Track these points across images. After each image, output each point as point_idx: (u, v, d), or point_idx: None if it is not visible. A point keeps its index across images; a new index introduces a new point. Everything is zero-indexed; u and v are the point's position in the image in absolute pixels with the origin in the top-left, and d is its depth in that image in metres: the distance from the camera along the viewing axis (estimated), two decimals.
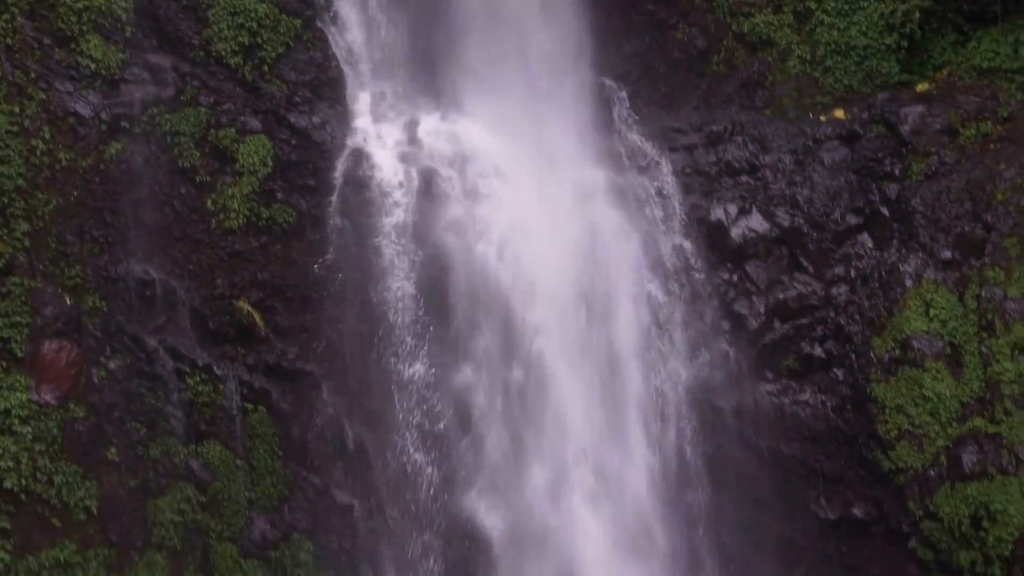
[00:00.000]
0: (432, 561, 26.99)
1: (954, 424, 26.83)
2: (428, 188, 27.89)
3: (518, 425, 27.84)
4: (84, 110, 25.95)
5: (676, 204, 28.87)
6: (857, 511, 27.77)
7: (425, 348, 27.45)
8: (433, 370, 27.64)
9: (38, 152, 25.18)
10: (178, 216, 26.42)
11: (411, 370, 27.23)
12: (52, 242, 25.17)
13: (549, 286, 28.07)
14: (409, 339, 27.40)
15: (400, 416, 27.55)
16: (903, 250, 27.97)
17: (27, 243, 24.90)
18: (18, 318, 24.50)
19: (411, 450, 27.41)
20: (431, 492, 27.17)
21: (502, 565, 27.31)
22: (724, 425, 28.53)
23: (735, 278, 28.66)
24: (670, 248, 28.55)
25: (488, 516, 27.37)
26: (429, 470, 27.26)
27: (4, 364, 24.40)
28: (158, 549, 25.44)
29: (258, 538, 26.34)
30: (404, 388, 27.50)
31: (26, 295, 24.80)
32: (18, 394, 24.36)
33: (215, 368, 26.28)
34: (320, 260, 27.15)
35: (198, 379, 26.09)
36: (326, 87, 28.23)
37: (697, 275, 28.83)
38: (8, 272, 24.61)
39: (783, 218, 28.44)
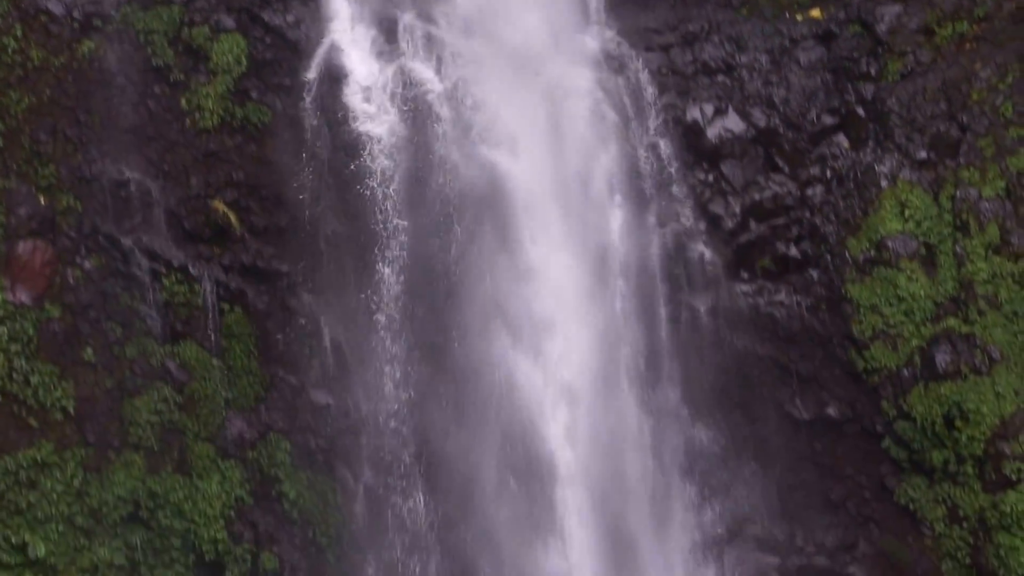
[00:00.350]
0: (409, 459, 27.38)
1: (928, 324, 27.30)
2: (404, 87, 27.86)
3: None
4: (56, 8, 25.92)
5: (651, 104, 28.95)
6: (831, 411, 28.20)
7: (405, 244, 27.55)
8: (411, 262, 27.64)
9: (10, 51, 25.23)
10: (152, 115, 26.46)
11: (389, 269, 27.37)
12: (25, 141, 25.28)
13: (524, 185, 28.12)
14: (388, 237, 27.50)
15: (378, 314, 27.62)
16: (879, 150, 28.20)
17: (0, 143, 24.90)
18: None
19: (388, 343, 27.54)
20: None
21: None
22: (699, 325, 28.62)
23: (711, 178, 28.79)
24: (645, 148, 28.54)
25: None
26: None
27: None
28: (135, 449, 25.67)
29: (235, 438, 26.60)
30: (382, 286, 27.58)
31: (0, 195, 24.80)
32: None
33: (190, 268, 26.40)
34: (297, 161, 27.18)
35: (174, 279, 26.27)
36: None
37: (672, 175, 28.83)
38: None
39: (759, 118, 28.58)
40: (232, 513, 26.19)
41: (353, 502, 27.31)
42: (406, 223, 27.47)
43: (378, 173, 27.37)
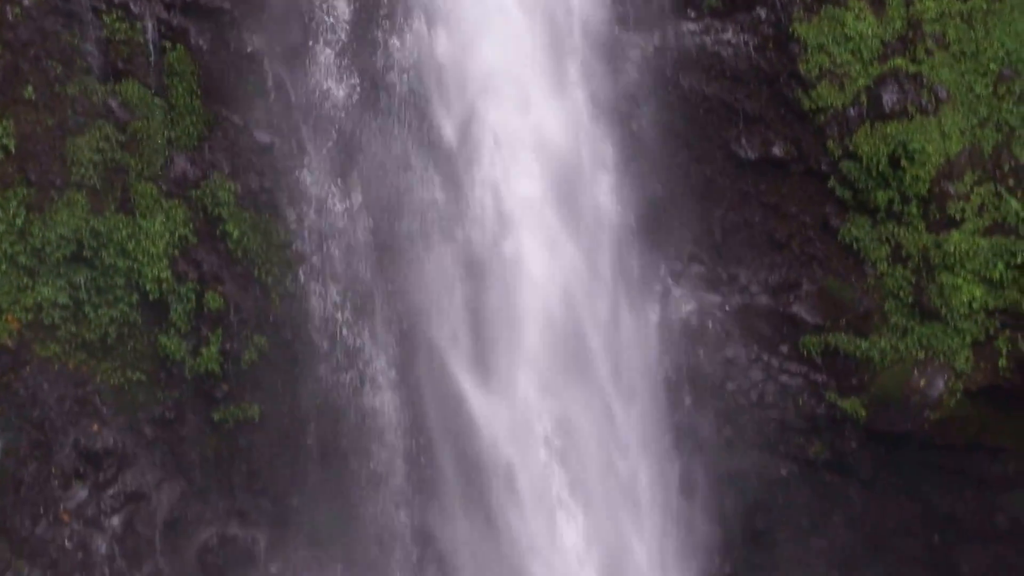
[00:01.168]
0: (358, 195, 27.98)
1: (875, 63, 27.96)
2: None
3: None
4: None
5: None
6: (777, 150, 28.95)
7: None
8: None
9: None
10: None
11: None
12: None
13: None
14: None
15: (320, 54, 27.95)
16: None
17: None
18: None
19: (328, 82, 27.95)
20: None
21: None
22: (645, 65, 29.22)
23: None
24: None
25: None
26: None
27: None
28: (78, 188, 26.13)
29: (178, 177, 27.17)
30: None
31: None
32: None
33: (131, 5, 26.59)
34: None
35: (115, 16, 26.43)
36: None
37: None
38: None
39: None
40: (176, 252, 26.81)
41: (298, 241, 27.98)
42: None
43: None
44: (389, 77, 28.62)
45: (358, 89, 28.34)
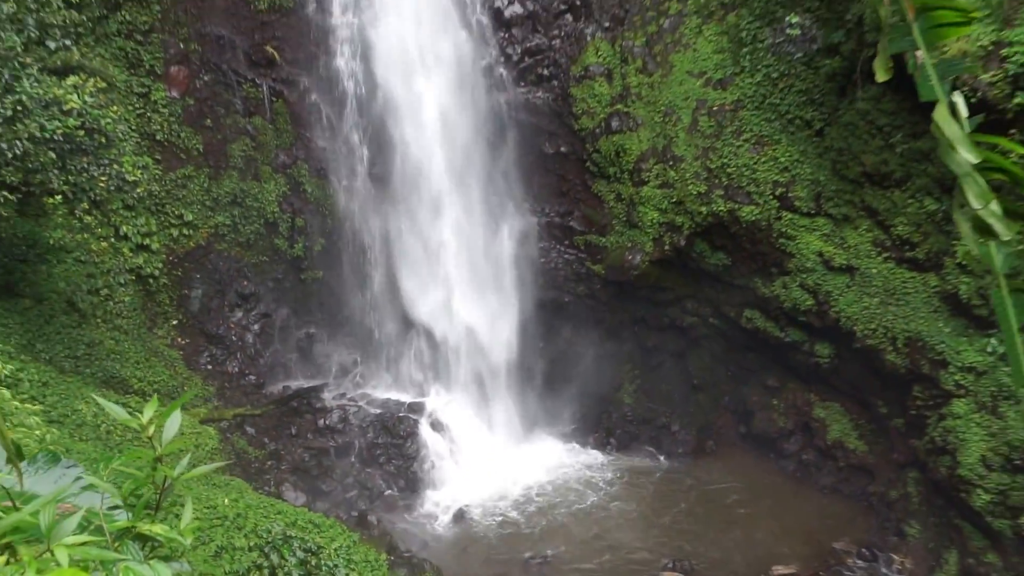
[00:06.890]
0: None
1: (608, 107, 39.67)
2: None
3: None
4: None
5: None
6: (563, 148, 41.47)
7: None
8: None
9: None
10: None
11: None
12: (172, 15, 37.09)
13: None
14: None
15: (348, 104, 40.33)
16: (585, 21, 40.11)
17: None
18: None
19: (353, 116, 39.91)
20: None
21: None
22: (500, 107, 40.68)
23: (506, 35, 39.99)
24: (474, 22, 39.08)
25: None
26: None
27: None
28: (233, 169, 39.97)
29: (281, 163, 40.82)
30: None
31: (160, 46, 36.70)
32: None
33: (256, 79, 39.58)
34: None
35: (248, 84, 40.22)
36: None
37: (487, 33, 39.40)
38: None
39: (529, 5, 40.26)
40: (281, 198, 40.37)
41: (339, 193, 40.89)
42: None
43: None
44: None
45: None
